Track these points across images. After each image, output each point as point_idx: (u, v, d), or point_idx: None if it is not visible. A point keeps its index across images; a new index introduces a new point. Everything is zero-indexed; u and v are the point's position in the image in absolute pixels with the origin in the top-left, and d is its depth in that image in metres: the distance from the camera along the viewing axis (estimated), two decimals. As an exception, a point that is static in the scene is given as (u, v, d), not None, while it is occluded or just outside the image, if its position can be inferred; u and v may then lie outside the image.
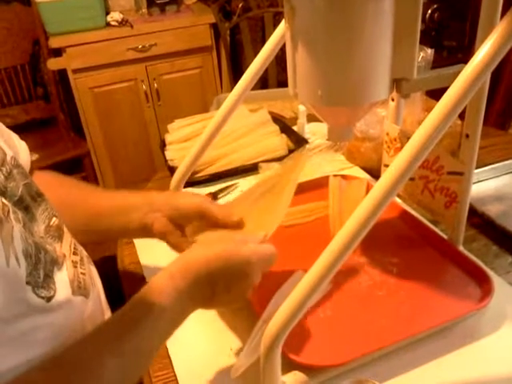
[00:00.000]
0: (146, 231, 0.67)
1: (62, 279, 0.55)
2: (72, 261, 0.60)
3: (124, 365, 0.49)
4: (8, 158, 0.58)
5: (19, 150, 0.68)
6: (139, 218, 0.67)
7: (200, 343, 0.65)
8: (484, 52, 0.43)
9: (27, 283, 0.48)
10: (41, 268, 0.52)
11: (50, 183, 0.71)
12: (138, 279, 0.78)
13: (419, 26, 0.49)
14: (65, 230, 0.63)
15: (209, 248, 0.57)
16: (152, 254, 0.82)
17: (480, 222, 0.83)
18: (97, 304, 0.63)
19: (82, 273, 0.61)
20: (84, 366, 0.47)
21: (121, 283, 0.80)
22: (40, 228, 0.58)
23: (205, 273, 0.54)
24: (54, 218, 0.62)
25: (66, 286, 0.55)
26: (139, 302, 0.52)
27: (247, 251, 0.57)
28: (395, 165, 0.44)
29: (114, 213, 0.69)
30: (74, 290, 0.57)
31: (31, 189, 0.60)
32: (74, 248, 0.63)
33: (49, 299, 0.51)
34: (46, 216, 0.60)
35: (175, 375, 0.61)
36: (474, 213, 0.82)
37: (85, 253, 0.67)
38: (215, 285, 0.55)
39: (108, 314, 0.67)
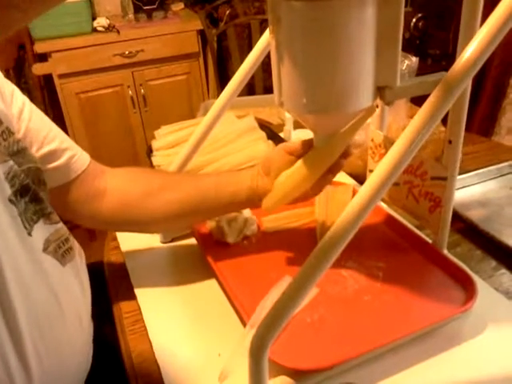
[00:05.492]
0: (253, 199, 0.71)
1: (41, 231, 0.59)
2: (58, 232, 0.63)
3: None
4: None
5: (74, 149, 0.70)
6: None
7: (188, 349, 0.65)
8: (464, 59, 0.44)
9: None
10: (31, 207, 0.58)
11: (133, 175, 0.77)
12: (124, 285, 0.78)
13: (401, 35, 0.50)
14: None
15: None
16: (139, 258, 0.83)
17: (464, 226, 0.84)
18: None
19: (66, 245, 0.64)
20: None
21: (106, 288, 0.80)
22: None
23: None
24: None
25: (40, 240, 0.59)
26: None
27: None
28: (379, 170, 0.45)
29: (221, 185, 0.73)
30: (48, 249, 0.60)
31: (32, 174, 0.61)
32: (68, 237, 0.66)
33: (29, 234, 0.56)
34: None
35: (163, 381, 0.61)
36: (458, 218, 0.83)
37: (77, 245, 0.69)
38: None
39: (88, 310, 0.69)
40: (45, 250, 0.59)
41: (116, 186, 0.73)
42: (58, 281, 0.60)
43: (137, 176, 0.76)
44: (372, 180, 0.45)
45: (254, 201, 0.71)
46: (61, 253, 0.62)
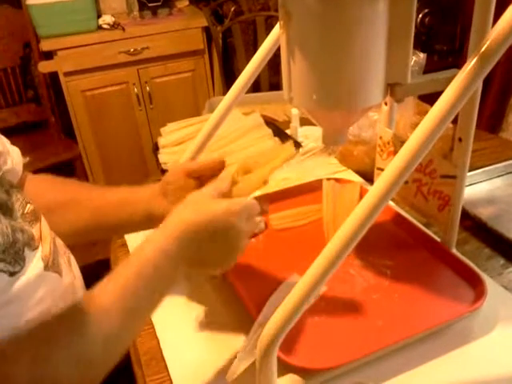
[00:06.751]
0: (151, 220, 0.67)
1: (35, 255, 0.57)
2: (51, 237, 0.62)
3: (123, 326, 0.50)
4: None
5: (12, 153, 0.68)
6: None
7: (195, 346, 0.65)
8: (478, 57, 0.43)
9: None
10: (18, 246, 0.54)
11: (40, 187, 0.72)
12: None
13: (413, 31, 0.50)
14: (41, 215, 0.64)
15: (188, 207, 0.57)
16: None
17: (472, 224, 0.84)
18: (71, 288, 0.64)
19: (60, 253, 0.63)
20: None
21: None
22: (16, 215, 0.59)
23: (189, 230, 0.54)
24: (29, 205, 0.62)
25: (38, 261, 0.57)
26: (137, 264, 0.52)
27: (225, 202, 0.57)
28: (389, 170, 0.45)
29: (119, 205, 0.70)
30: (48, 266, 0.58)
31: (4, 182, 0.60)
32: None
33: (12, 274, 0.52)
34: (19, 205, 0.60)
35: (170, 378, 0.61)
36: (466, 216, 0.83)
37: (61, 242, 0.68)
38: (201, 241, 0.54)
39: None
40: (46, 267, 0.59)
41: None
42: (61, 294, 0.60)
43: (42, 188, 0.74)
44: (382, 180, 0.45)
45: (150, 222, 0.67)
46: (63, 261, 0.62)
